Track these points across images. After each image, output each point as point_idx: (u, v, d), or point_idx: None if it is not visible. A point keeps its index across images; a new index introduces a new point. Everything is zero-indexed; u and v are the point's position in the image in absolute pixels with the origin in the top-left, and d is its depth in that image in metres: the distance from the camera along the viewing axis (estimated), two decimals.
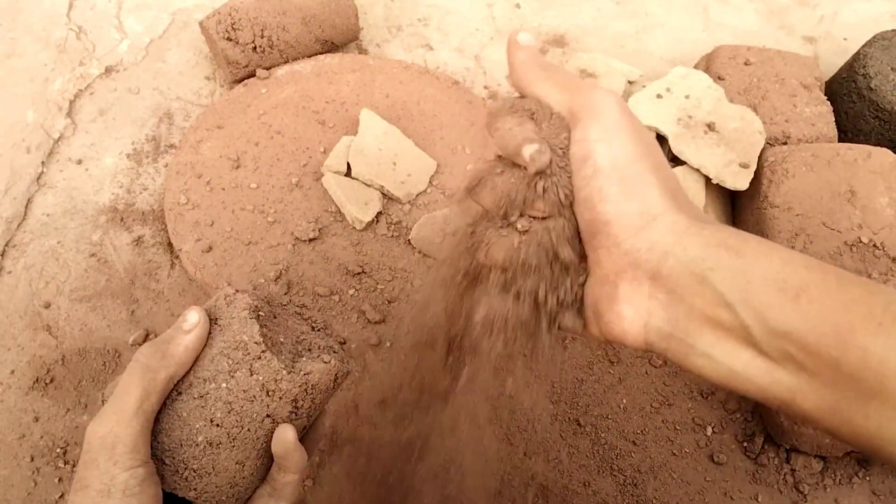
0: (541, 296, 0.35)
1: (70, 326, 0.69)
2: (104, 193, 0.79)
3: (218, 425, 0.36)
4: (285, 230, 0.73)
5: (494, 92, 0.93)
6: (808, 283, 0.28)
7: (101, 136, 0.84)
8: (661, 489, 0.63)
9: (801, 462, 0.64)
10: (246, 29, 0.83)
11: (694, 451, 0.66)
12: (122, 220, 0.77)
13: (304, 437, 0.41)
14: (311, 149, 0.80)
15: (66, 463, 0.61)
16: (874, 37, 0.84)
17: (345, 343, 0.42)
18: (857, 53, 0.85)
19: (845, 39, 1.03)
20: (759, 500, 0.63)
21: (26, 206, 0.77)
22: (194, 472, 0.36)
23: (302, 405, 0.39)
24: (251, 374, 0.37)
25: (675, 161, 0.77)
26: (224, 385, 0.37)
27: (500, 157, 0.36)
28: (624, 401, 0.68)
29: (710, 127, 0.78)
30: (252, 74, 0.86)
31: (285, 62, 0.88)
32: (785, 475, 0.64)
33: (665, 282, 0.31)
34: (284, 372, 0.37)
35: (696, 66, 0.92)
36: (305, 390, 0.38)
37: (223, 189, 0.76)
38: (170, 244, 0.75)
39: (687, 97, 0.80)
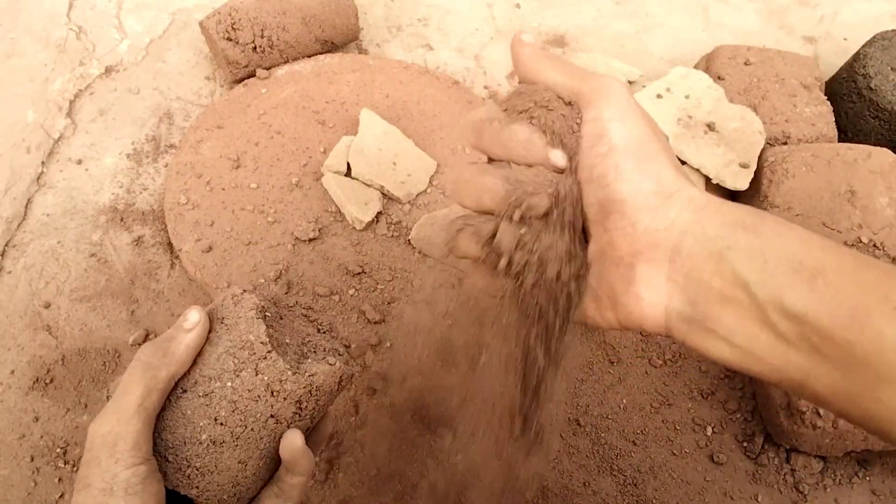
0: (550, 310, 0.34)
1: (70, 326, 0.69)
2: (104, 193, 0.79)
3: (222, 424, 0.36)
4: (285, 230, 0.73)
5: (494, 92, 0.93)
6: (825, 264, 0.28)
7: (101, 136, 0.84)
8: (661, 489, 0.63)
9: (801, 462, 0.64)
10: (246, 29, 0.83)
11: (694, 451, 0.66)
12: (122, 220, 0.77)
13: (307, 438, 0.41)
14: (311, 149, 0.80)
15: (66, 463, 0.61)
16: (874, 37, 0.85)
17: (349, 347, 0.42)
18: (857, 53, 0.85)
19: (845, 39, 1.03)
20: (759, 500, 0.63)
21: (26, 206, 0.77)
22: (197, 469, 0.36)
23: (306, 406, 0.39)
24: (256, 374, 0.37)
25: None
26: (229, 384, 0.37)
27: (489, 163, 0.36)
28: (624, 401, 0.68)
29: (710, 127, 0.78)
30: (252, 74, 0.86)
31: (285, 62, 0.88)
32: (785, 475, 0.64)
33: (684, 262, 0.31)
34: (289, 373, 0.37)
35: (696, 66, 0.92)
36: (310, 392, 0.38)
37: (223, 189, 0.76)
38: (170, 244, 0.75)
39: (687, 97, 0.80)
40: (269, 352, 0.37)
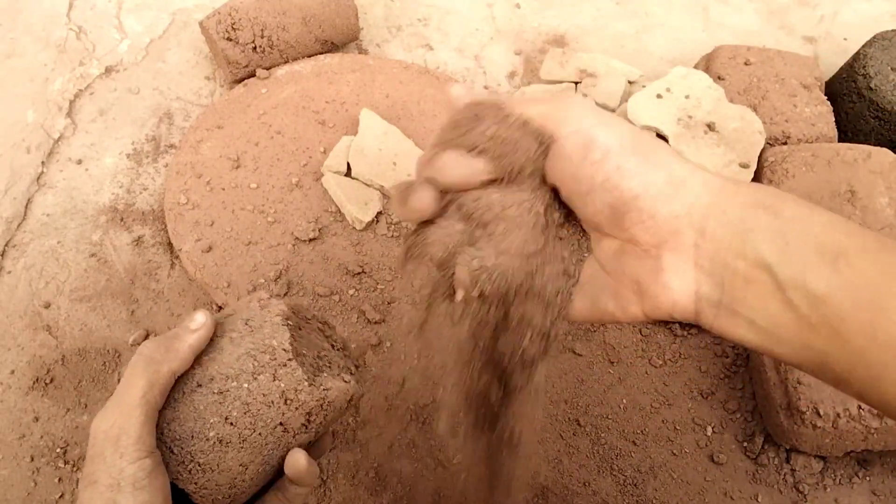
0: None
1: (70, 326, 0.69)
2: (104, 193, 0.79)
3: (232, 424, 0.36)
4: (285, 230, 0.73)
5: (494, 92, 0.93)
6: (848, 246, 0.28)
7: (101, 136, 0.84)
8: (661, 489, 0.63)
9: (801, 462, 0.64)
10: (246, 29, 0.83)
11: (694, 451, 0.66)
12: (122, 220, 0.77)
13: (311, 448, 0.42)
14: (311, 149, 0.80)
15: (66, 463, 0.61)
16: (874, 37, 0.84)
17: (359, 367, 0.43)
18: (857, 53, 0.85)
19: (845, 39, 1.03)
20: (759, 500, 0.63)
21: (26, 206, 0.77)
22: (199, 465, 0.36)
23: (314, 420, 0.39)
24: (274, 380, 0.37)
25: None
26: (245, 385, 0.37)
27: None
28: (624, 401, 0.68)
29: (710, 127, 0.78)
30: (252, 74, 0.86)
31: (285, 62, 0.88)
32: (785, 475, 0.64)
33: (708, 246, 0.30)
34: (306, 383, 0.38)
35: (696, 66, 0.92)
36: (321, 405, 0.39)
37: (223, 189, 0.76)
38: (170, 244, 0.75)
39: (687, 97, 0.80)
40: (289, 359, 0.37)
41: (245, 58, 0.84)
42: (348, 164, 0.76)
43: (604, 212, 0.32)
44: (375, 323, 0.69)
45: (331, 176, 0.76)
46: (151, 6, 0.98)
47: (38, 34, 0.93)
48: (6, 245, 0.74)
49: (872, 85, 0.81)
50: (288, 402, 0.37)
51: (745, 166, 0.75)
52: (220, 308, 0.70)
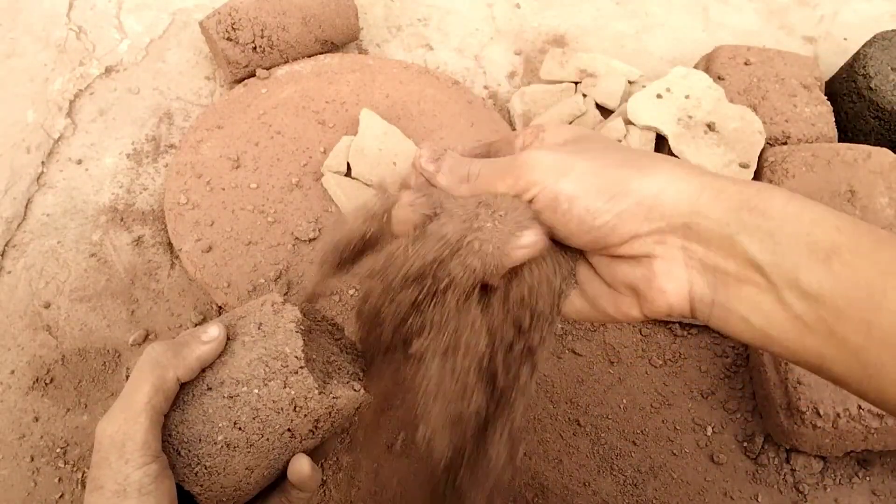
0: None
1: (70, 326, 0.69)
2: (104, 193, 0.79)
3: (240, 429, 0.36)
4: (285, 230, 0.73)
5: (494, 92, 0.93)
6: (840, 244, 0.28)
7: (101, 136, 0.84)
8: (661, 489, 0.63)
9: (801, 462, 0.64)
10: (246, 29, 0.83)
11: (694, 451, 0.66)
12: (122, 220, 0.77)
13: (314, 451, 0.42)
14: (311, 149, 0.80)
15: (66, 463, 0.61)
16: (874, 37, 0.85)
17: (366, 371, 0.43)
18: (857, 53, 0.85)
19: (845, 39, 1.03)
20: (759, 500, 0.63)
21: (26, 206, 0.77)
22: (206, 469, 0.36)
23: (322, 426, 0.39)
24: (284, 387, 0.37)
25: None
26: (256, 391, 0.37)
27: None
28: (624, 401, 0.68)
29: (710, 127, 0.78)
30: (252, 74, 0.86)
31: (285, 62, 0.88)
32: (785, 475, 0.64)
33: (695, 249, 0.31)
34: (316, 391, 0.37)
35: (696, 66, 0.92)
36: (329, 413, 0.39)
37: (223, 189, 0.76)
38: (170, 244, 0.75)
39: (687, 97, 0.80)
40: (301, 367, 0.37)
41: (245, 58, 0.84)
42: (348, 164, 0.76)
43: (588, 245, 0.34)
44: None
45: (331, 176, 0.76)
46: (151, 6, 0.98)
47: (38, 34, 0.93)
48: (6, 245, 0.74)
49: (872, 85, 0.81)
50: (297, 409, 0.37)
51: (745, 166, 0.75)
52: (221, 308, 0.70)
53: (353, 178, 0.76)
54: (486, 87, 0.94)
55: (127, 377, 0.36)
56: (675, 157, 0.77)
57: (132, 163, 0.82)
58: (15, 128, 0.83)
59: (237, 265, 0.70)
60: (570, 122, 0.85)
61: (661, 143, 0.79)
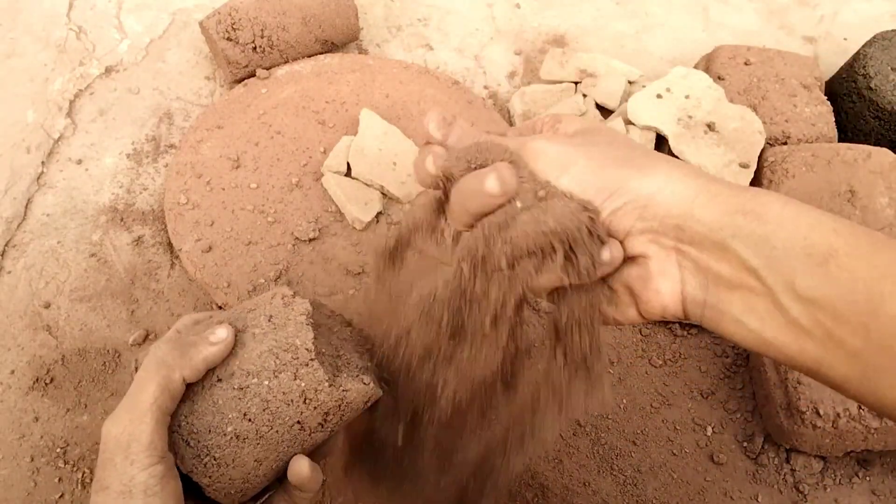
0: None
1: (70, 326, 0.69)
2: (104, 193, 0.79)
3: (250, 420, 0.36)
4: (285, 230, 0.73)
5: (494, 92, 0.93)
6: (837, 248, 0.27)
7: (101, 136, 0.84)
8: (661, 489, 0.64)
9: (801, 462, 0.64)
10: (246, 29, 0.83)
11: (694, 451, 0.66)
12: (122, 220, 0.77)
13: (317, 448, 0.41)
14: (311, 149, 0.80)
15: (66, 463, 0.61)
16: (874, 37, 0.85)
17: (378, 367, 0.43)
18: (857, 53, 0.85)
19: (845, 39, 1.03)
20: (759, 500, 0.63)
21: (26, 206, 0.77)
22: (215, 460, 0.36)
23: (331, 420, 0.39)
24: (295, 379, 0.37)
25: None
26: (266, 383, 0.37)
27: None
28: (624, 401, 0.68)
29: (710, 127, 0.78)
30: (252, 74, 0.86)
31: (285, 62, 0.88)
32: (785, 475, 0.64)
33: (688, 250, 0.31)
34: (326, 384, 0.37)
35: (696, 66, 0.92)
36: (339, 406, 0.39)
37: (223, 189, 0.76)
38: (170, 244, 0.75)
39: (687, 97, 0.80)
40: (311, 359, 0.37)
41: (245, 58, 0.84)
42: (348, 164, 0.76)
43: None
44: None
45: (331, 176, 0.76)
46: (151, 6, 0.98)
47: (38, 34, 0.93)
48: (6, 245, 0.74)
49: (872, 85, 0.81)
50: (307, 401, 0.37)
51: (745, 166, 0.75)
52: (221, 309, 0.70)
53: (353, 178, 0.76)
54: (486, 87, 0.94)
55: (136, 369, 0.36)
56: (676, 157, 0.77)
57: (132, 163, 0.82)
58: (15, 128, 0.83)
59: (237, 265, 0.70)
60: None
61: (661, 143, 0.79)
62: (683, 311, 0.33)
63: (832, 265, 0.27)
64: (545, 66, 0.92)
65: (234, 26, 0.82)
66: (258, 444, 0.37)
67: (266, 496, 0.42)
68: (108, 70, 0.90)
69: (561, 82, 0.90)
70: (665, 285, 0.32)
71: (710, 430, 0.67)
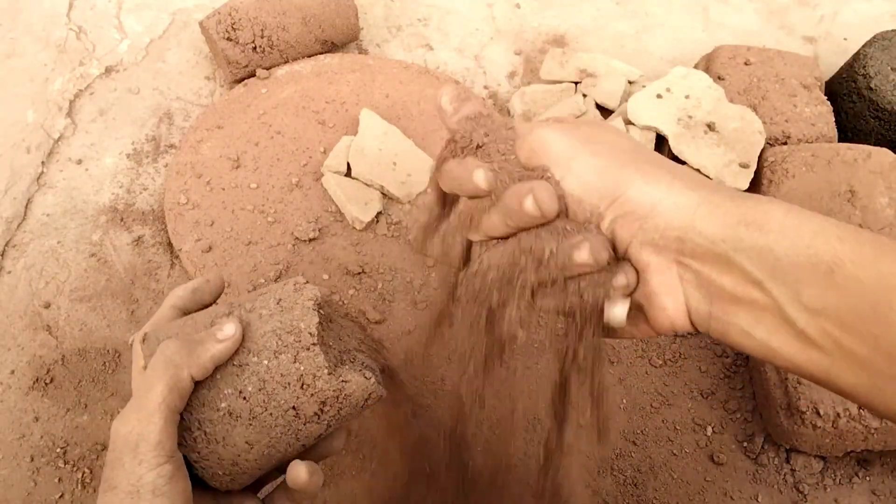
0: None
1: (70, 326, 0.69)
2: (104, 193, 0.79)
3: (245, 398, 0.36)
4: (285, 230, 0.73)
5: (494, 92, 0.93)
6: (843, 256, 0.27)
7: (101, 136, 0.84)
8: (661, 489, 0.63)
9: (801, 462, 0.64)
10: (246, 29, 0.83)
11: (694, 451, 0.66)
12: (122, 220, 0.77)
13: (317, 444, 0.41)
14: (311, 149, 0.80)
15: (66, 463, 0.61)
16: (874, 37, 0.84)
17: (384, 370, 0.42)
18: (857, 53, 0.85)
19: (845, 39, 1.03)
20: (759, 500, 0.63)
21: (26, 206, 0.77)
22: (205, 434, 0.36)
23: (328, 410, 0.38)
24: (294, 361, 0.37)
25: (676, 161, 0.77)
26: (265, 363, 0.37)
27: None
28: (624, 401, 0.68)
29: (710, 127, 0.78)
30: (252, 74, 0.86)
31: (285, 62, 0.88)
32: (785, 475, 0.64)
33: (690, 265, 0.31)
34: (325, 371, 0.37)
35: (696, 66, 0.92)
36: (337, 397, 0.38)
37: (223, 189, 0.76)
38: (170, 244, 0.75)
39: (687, 97, 0.80)
40: (313, 344, 0.37)
41: (245, 58, 0.84)
42: (348, 164, 0.76)
43: None
44: (375, 323, 0.69)
45: (331, 176, 0.76)
46: (151, 6, 0.98)
47: (38, 34, 0.93)
48: (6, 245, 0.74)
49: (872, 85, 0.81)
50: (304, 386, 0.37)
51: (745, 166, 0.75)
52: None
53: (353, 178, 0.76)
54: (486, 87, 0.94)
55: (131, 345, 0.36)
56: (676, 157, 0.77)
57: (132, 163, 0.82)
58: (15, 128, 0.83)
59: (237, 265, 0.70)
60: None
61: (661, 143, 0.79)
62: (691, 324, 0.32)
63: (838, 275, 0.27)
64: (545, 66, 0.92)
65: (234, 26, 0.82)
66: (250, 425, 0.36)
67: (262, 492, 0.42)
68: (108, 70, 0.90)
69: (561, 82, 0.90)
70: (669, 302, 0.32)
71: (710, 430, 0.67)
